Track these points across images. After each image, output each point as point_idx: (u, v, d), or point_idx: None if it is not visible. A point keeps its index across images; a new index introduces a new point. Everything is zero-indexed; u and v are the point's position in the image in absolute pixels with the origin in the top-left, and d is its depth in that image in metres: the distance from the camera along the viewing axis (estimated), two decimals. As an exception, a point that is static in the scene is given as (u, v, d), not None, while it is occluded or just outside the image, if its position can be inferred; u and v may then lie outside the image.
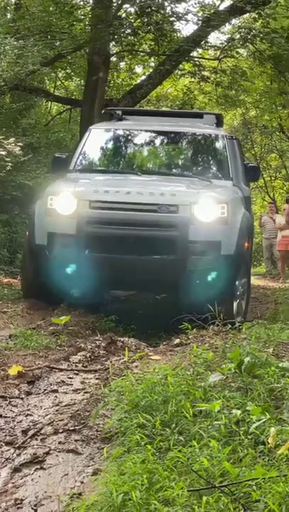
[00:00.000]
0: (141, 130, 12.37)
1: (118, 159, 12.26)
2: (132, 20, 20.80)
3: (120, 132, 12.42)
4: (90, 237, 9.21)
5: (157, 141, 12.32)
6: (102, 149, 12.21)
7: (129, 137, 12.41)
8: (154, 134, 12.20)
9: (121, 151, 12.40)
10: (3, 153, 13.93)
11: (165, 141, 12.28)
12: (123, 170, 11.55)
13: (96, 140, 12.01)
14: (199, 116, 12.76)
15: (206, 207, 9.28)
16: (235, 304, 9.60)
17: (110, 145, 12.39)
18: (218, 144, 11.63)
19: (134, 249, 9.16)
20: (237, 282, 9.71)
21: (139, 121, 12.63)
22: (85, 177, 10.66)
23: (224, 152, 11.31)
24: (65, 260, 9.42)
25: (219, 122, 12.18)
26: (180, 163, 11.95)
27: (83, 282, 9.51)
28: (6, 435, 4.79)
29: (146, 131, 12.27)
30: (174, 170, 11.54)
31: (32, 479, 4.27)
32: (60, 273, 9.42)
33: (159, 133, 12.10)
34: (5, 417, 5.06)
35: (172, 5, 21.06)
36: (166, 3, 21.02)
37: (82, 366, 6.23)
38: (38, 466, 4.39)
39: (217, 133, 11.71)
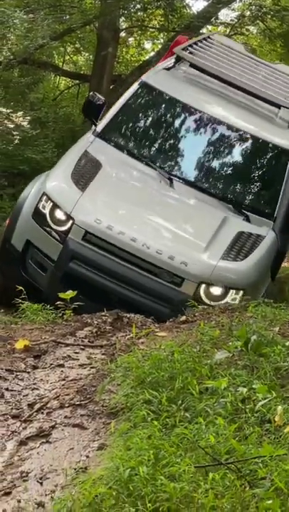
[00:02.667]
0: (198, 110, 9.62)
1: (156, 141, 9.78)
2: (143, -5, 20.70)
3: (170, 102, 9.81)
4: (69, 276, 7.94)
5: (212, 134, 9.68)
6: (143, 116, 9.93)
7: (180, 113, 9.86)
8: (213, 123, 9.63)
9: (163, 128, 9.87)
10: (12, 126, 13.86)
11: (223, 137, 9.65)
12: (154, 161, 9.19)
13: (141, 99, 9.91)
14: (277, 105, 9.78)
15: (214, 289, 7.98)
16: None
17: (155, 114, 9.96)
18: (276, 162, 9.34)
19: (114, 307, 7.23)
20: None
21: (207, 94, 9.85)
22: (103, 163, 8.76)
23: (281, 177, 9.00)
24: (36, 281, 8.15)
25: None
26: (226, 178, 9.52)
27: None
28: (12, 408, 4.80)
29: (205, 115, 9.64)
30: (214, 187, 9.24)
31: (38, 452, 4.29)
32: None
33: (219, 124, 9.58)
34: (11, 390, 5.06)
35: (183, -19, 21.04)
36: (176, -21, 20.97)
37: (89, 341, 6.21)
38: (44, 440, 4.41)
39: (282, 145, 9.29)
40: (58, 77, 24.78)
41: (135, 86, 9.89)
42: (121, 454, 3.63)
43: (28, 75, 19.74)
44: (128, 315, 6.86)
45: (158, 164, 9.22)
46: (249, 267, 8.35)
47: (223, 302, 7.65)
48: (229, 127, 9.62)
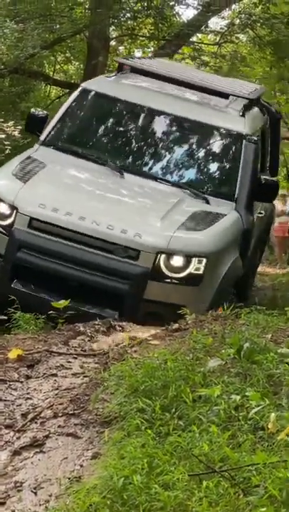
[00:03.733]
0: (141, 106, 9.44)
1: (102, 139, 9.58)
2: (132, 4, 20.79)
3: (114, 103, 9.69)
4: (20, 265, 7.54)
5: (158, 127, 9.43)
6: (87, 120, 9.69)
7: (124, 112, 9.72)
8: (156, 116, 9.45)
9: (109, 129, 9.71)
10: (3, 136, 13.86)
11: (168, 128, 9.43)
12: (102, 158, 8.87)
13: (83, 104, 9.67)
14: (225, 96, 9.77)
15: (175, 259, 7.45)
16: None
17: (98, 116, 9.75)
18: (230, 146, 9.13)
19: (73, 294, 7.11)
20: None
21: (147, 91, 9.76)
22: (48, 163, 8.51)
23: (236, 159, 8.83)
24: None
25: (250, 106, 9.59)
26: (179, 165, 9.16)
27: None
28: (5, 418, 4.81)
29: (148, 109, 9.42)
30: (168, 175, 8.96)
31: (32, 462, 4.30)
32: None
33: (163, 115, 9.42)
34: (5, 400, 5.06)
35: (173, -10, 21.14)
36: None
37: (82, 350, 6.23)
38: (38, 450, 4.41)
39: (233, 128, 9.08)
40: (49, 86, 24.86)
41: (76, 93, 9.81)
42: (115, 462, 3.64)
43: (19, 84, 19.82)
44: (121, 323, 6.87)
45: (107, 160, 8.86)
46: (210, 236, 7.88)
47: (186, 273, 7.43)
48: (180, 119, 9.38)
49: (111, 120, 9.74)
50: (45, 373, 5.54)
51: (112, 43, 21.77)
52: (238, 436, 3.77)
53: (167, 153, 9.32)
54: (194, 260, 7.44)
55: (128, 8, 20.90)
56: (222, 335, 5.57)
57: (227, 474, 3.31)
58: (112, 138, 9.59)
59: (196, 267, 7.44)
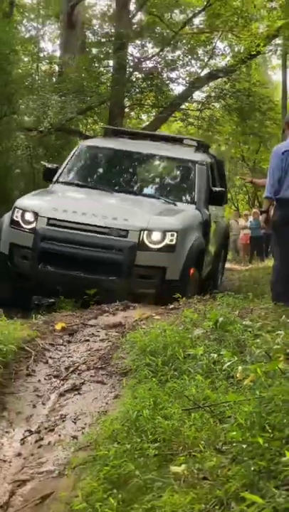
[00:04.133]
0: (122, 150, 9.68)
1: (98, 175, 9.68)
2: (140, 83, 20.81)
3: (104, 150, 9.90)
4: (44, 252, 7.49)
5: (136, 162, 9.69)
6: (86, 164, 9.78)
7: (111, 156, 9.82)
8: (134, 155, 9.62)
9: (102, 167, 9.91)
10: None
11: (143, 162, 9.72)
12: (99, 186, 8.98)
13: (82, 155, 9.77)
14: (180, 140, 10.25)
15: (154, 234, 7.43)
16: None
17: (93, 161, 9.95)
18: (188, 169, 9.21)
19: (84, 267, 7.35)
20: None
21: (126, 142, 10.06)
22: (59, 191, 8.77)
23: (192, 177, 9.00)
24: (22, 269, 7.68)
25: (199, 147, 9.87)
26: (152, 184, 9.39)
27: (37, 291, 7.95)
28: (54, 371, 4.81)
29: (127, 151, 9.63)
30: (145, 190, 9.13)
31: (72, 401, 4.29)
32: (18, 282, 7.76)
33: (138, 154, 9.62)
34: (53, 358, 5.07)
35: (168, 72, 21.18)
36: (163, 71, 21.10)
37: (106, 323, 6.18)
38: (76, 392, 4.40)
39: (188, 158, 9.34)
40: (82, 140, 24.81)
41: (76, 148, 9.99)
42: (130, 401, 3.63)
43: (62, 139, 19.75)
44: (134, 304, 6.83)
45: (102, 187, 8.93)
46: (178, 219, 7.91)
47: (163, 244, 7.41)
48: (152, 155, 9.60)
49: (105, 161, 9.91)
50: (81, 339, 5.54)
51: (126, 109, 21.75)
52: (216, 382, 3.76)
53: (144, 177, 9.52)
54: (168, 234, 7.43)
55: (137, 86, 20.92)
56: (204, 312, 5.56)
57: (208, 409, 3.30)
58: (103, 172, 9.72)
59: (170, 239, 7.43)
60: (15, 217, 7.71)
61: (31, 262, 7.54)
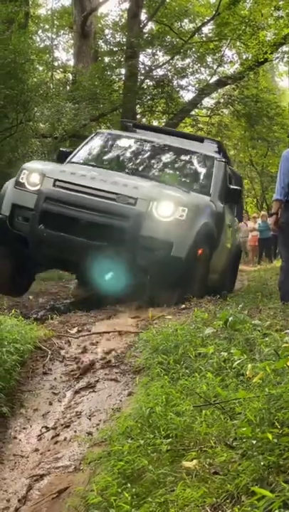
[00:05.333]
0: (140, 140, 9.17)
1: (112, 159, 8.98)
2: (151, 90, 20.84)
3: (121, 138, 9.38)
4: (46, 213, 6.82)
5: (154, 151, 8.99)
6: (101, 149, 9.14)
7: (128, 144, 9.23)
8: (152, 145, 9.03)
9: (116, 153, 9.17)
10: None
11: (160, 152, 9.00)
12: (112, 167, 8.45)
13: (98, 142, 9.24)
14: (201, 140, 9.57)
15: (164, 205, 6.74)
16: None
17: (109, 146, 9.26)
18: (205, 163, 8.59)
19: (86, 232, 6.66)
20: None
21: (144, 134, 9.49)
22: (69, 166, 8.07)
23: (209, 171, 8.34)
24: (22, 231, 7.02)
25: (220, 150, 9.06)
26: (168, 172, 8.66)
27: (35, 256, 7.17)
28: (69, 369, 4.81)
29: (146, 141, 9.12)
30: (160, 177, 8.28)
31: (87, 399, 4.29)
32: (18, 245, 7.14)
33: (156, 144, 9.05)
34: (68, 357, 5.06)
35: (178, 80, 21.21)
36: (174, 79, 21.12)
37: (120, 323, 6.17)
38: (91, 390, 4.41)
39: (207, 153, 8.76)
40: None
41: (92, 134, 9.61)
42: (143, 398, 3.63)
43: (76, 145, 19.79)
44: (146, 305, 6.80)
45: (115, 168, 8.35)
46: (190, 196, 7.31)
47: (172, 218, 6.69)
48: (171, 147, 8.96)
49: (118, 148, 9.26)
50: (95, 339, 5.53)
51: (138, 116, 21.79)
52: (226, 380, 3.75)
53: (160, 166, 8.78)
54: (179, 208, 6.72)
55: (148, 93, 20.95)
56: (214, 312, 5.55)
57: (219, 406, 3.29)
58: (118, 157, 9.00)
59: (180, 214, 6.70)
60: (20, 179, 7.14)
61: (31, 223, 6.89)
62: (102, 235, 6.58)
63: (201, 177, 8.50)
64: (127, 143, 9.21)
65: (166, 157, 9.01)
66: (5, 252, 7.30)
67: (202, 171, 8.61)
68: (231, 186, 8.58)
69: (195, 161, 8.85)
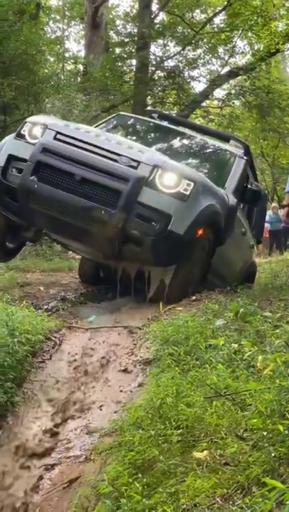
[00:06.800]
0: (161, 125, 8.65)
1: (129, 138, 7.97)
2: (162, 81, 20.78)
3: (142, 122, 8.85)
4: (41, 164, 6.21)
5: (174, 139, 8.42)
6: (118, 130, 8.40)
7: (147, 128, 8.68)
8: (173, 133, 8.49)
9: (134, 136, 8.49)
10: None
11: (181, 141, 8.43)
12: None
13: (117, 122, 8.64)
14: (227, 139, 8.89)
15: (169, 175, 6.11)
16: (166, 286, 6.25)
17: (127, 129, 8.64)
18: (226, 158, 8.08)
19: (79, 190, 6.03)
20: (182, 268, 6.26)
21: (167, 123, 8.91)
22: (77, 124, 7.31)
23: (228, 166, 7.79)
24: (13, 183, 6.41)
25: (246, 153, 8.32)
26: (187, 159, 7.99)
27: (20, 211, 6.49)
28: (80, 360, 4.82)
29: (165, 127, 8.59)
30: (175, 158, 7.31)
31: (98, 389, 4.32)
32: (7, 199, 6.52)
33: (178, 133, 8.50)
34: (79, 348, 5.07)
35: (189, 71, 21.12)
36: (185, 70, 21.05)
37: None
38: (102, 381, 4.43)
39: (229, 149, 8.25)
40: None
41: (111, 116, 9.14)
42: (154, 389, 3.64)
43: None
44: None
45: None
46: (199, 174, 6.74)
47: (175, 190, 6.05)
48: (192, 137, 8.50)
49: (136, 131, 8.75)
50: (106, 330, 5.54)
51: (149, 107, 21.74)
52: (237, 371, 3.76)
53: (177, 154, 8.08)
54: (184, 181, 6.10)
55: (159, 84, 20.89)
56: (225, 303, 5.55)
57: (230, 397, 3.30)
58: (135, 139, 8.13)
59: (185, 188, 6.07)
60: (22, 131, 6.62)
61: (24, 174, 6.29)
62: (95, 195, 6.01)
63: (219, 170, 7.95)
64: (145, 128, 8.75)
65: (186, 145, 8.50)
66: None
67: (221, 165, 8.10)
68: (249, 187, 8.03)
69: (215, 154, 8.44)
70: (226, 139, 8.90)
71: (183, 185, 6.08)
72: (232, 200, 7.27)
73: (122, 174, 6.02)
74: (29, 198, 6.18)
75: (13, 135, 6.73)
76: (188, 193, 6.07)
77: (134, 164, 6.09)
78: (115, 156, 6.12)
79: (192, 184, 6.11)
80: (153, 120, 8.85)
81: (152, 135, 8.64)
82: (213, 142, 8.54)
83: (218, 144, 8.51)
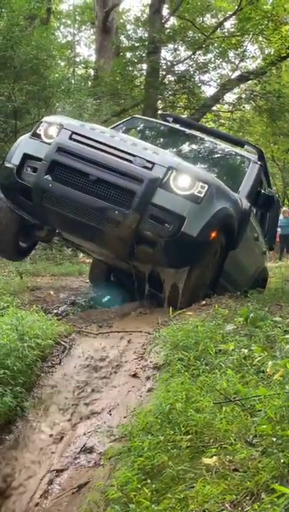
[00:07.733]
0: (176, 128, 8.64)
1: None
2: (173, 85, 20.81)
3: (157, 125, 8.87)
4: (55, 163, 6.19)
5: (188, 142, 8.45)
6: (132, 131, 8.44)
7: (162, 131, 8.71)
8: (188, 137, 8.50)
9: (149, 139, 8.44)
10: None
11: (195, 144, 8.44)
12: None
13: (131, 124, 8.69)
14: (241, 144, 8.84)
15: (184, 177, 6.08)
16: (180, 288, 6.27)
17: (142, 132, 8.67)
18: (240, 163, 8.08)
19: (93, 190, 6.03)
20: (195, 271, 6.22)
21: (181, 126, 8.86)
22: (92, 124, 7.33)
23: (243, 171, 7.77)
24: (27, 181, 6.41)
25: (260, 158, 8.23)
26: (202, 163, 7.99)
27: (34, 209, 6.49)
28: (89, 364, 4.81)
29: (180, 131, 8.60)
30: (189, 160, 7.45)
31: (107, 394, 4.31)
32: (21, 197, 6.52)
33: (193, 136, 8.50)
34: (89, 352, 5.06)
35: (200, 75, 21.15)
36: (195, 74, 21.08)
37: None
38: (112, 385, 4.42)
39: (243, 154, 8.22)
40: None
41: (127, 118, 9.17)
42: (163, 394, 3.64)
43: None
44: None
45: None
46: (214, 177, 6.66)
47: (189, 192, 6.02)
48: (205, 140, 8.50)
49: (150, 134, 8.78)
50: (115, 335, 5.52)
51: (159, 111, 21.75)
52: (246, 376, 3.75)
53: (191, 157, 8.10)
54: (198, 184, 6.07)
55: (170, 88, 20.92)
56: (235, 308, 5.54)
57: (239, 403, 3.29)
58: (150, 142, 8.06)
59: (199, 190, 6.04)
60: (38, 130, 6.60)
61: (38, 173, 6.29)
62: (109, 195, 6.00)
63: (233, 175, 7.94)
64: (161, 131, 8.76)
65: (200, 149, 8.48)
66: (10, 207, 6.84)
67: (235, 169, 8.12)
68: (263, 192, 7.95)
69: (230, 159, 8.42)
70: (240, 144, 8.85)
71: (197, 188, 6.06)
72: (245, 204, 7.23)
73: (136, 175, 5.99)
74: (43, 197, 6.19)
75: (28, 134, 6.74)
76: (202, 195, 6.05)
77: (149, 165, 6.07)
78: (130, 157, 6.12)
79: (206, 186, 6.09)
80: (167, 123, 8.86)
81: (167, 138, 8.65)
82: (227, 147, 8.52)
83: (232, 148, 8.50)
